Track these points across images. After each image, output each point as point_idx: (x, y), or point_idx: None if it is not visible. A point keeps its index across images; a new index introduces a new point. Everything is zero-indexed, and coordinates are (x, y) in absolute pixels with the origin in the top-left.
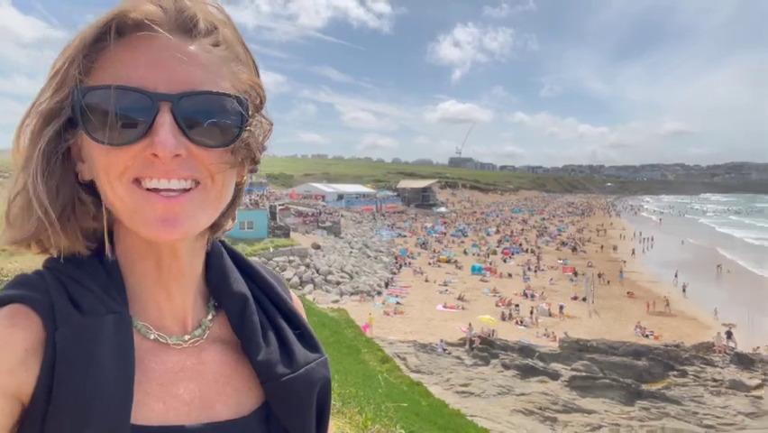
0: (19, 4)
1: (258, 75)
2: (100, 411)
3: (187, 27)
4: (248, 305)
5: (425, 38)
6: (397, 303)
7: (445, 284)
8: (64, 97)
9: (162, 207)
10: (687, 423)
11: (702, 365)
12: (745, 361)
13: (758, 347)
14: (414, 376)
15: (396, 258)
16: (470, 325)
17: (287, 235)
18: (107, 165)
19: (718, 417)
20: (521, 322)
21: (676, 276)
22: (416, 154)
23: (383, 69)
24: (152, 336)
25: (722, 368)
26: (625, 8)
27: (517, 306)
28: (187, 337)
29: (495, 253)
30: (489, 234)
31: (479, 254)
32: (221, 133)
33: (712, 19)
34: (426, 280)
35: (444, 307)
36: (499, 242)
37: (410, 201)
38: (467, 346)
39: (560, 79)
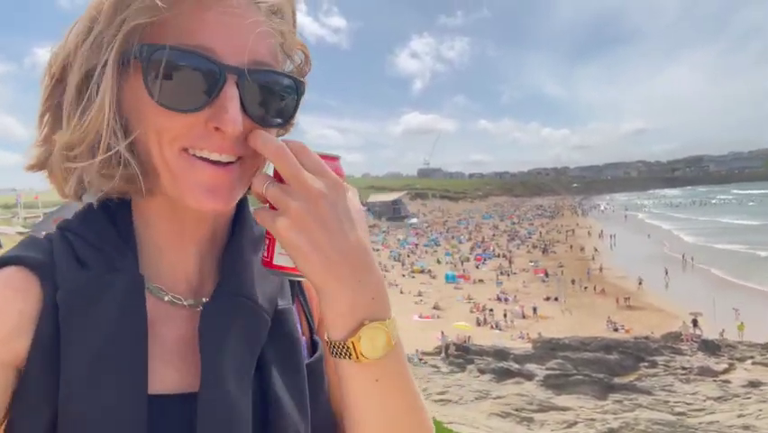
0: None
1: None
2: (111, 375)
3: None
4: (253, 277)
5: (384, 51)
6: None
7: (420, 294)
8: (122, 43)
9: (210, 175)
10: (659, 412)
11: (671, 355)
12: (711, 347)
13: (723, 330)
14: None
15: None
16: (442, 333)
17: None
18: (161, 128)
19: (689, 403)
20: (496, 326)
21: (666, 273)
22: (386, 168)
23: (344, 84)
24: (167, 298)
25: (690, 356)
26: (576, 12)
27: (491, 310)
28: (204, 300)
29: (468, 260)
30: (461, 242)
31: (452, 263)
32: (278, 112)
33: (660, 19)
34: (401, 292)
35: (420, 317)
36: (472, 249)
37: (381, 214)
38: (443, 354)
39: (519, 85)
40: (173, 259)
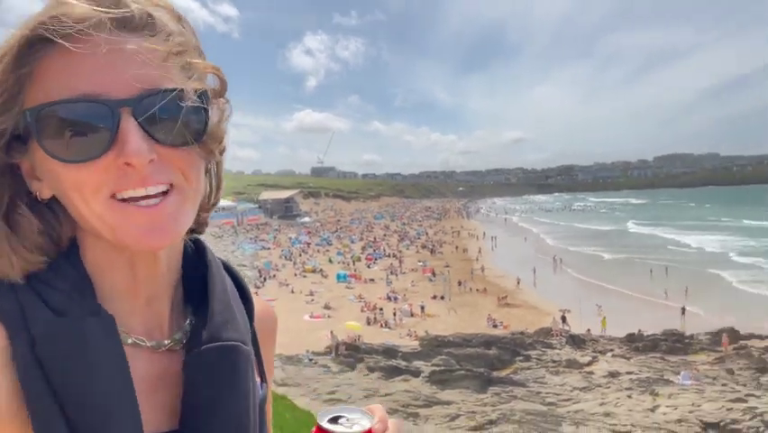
0: None
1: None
2: (108, 424)
3: (123, 23)
4: (226, 310)
5: (276, 45)
6: None
7: (311, 294)
8: (4, 118)
9: (145, 218)
10: (532, 403)
11: (543, 349)
12: (578, 341)
13: (589, 329)
14: (280, 390)
15: (260, 271)
16: (331, 332)
17: None
18: (79, 183)
19: (558, 394)
20: (385, 325)
21: (534, 272)
22: (279, 165)
23: (234, 76)
24: (130, 341)
25: (559, 349)
26: (463, 26)
27: (381, 309)
28: (166, 342)
29: (359, 259)
30: (353, 242)
31: (344, 262)
32: (186, 131)
33: (538, 37)
34: (292, 292)
35: (311, 317)
36: (363, 248)
37: (273, 213)
38: (333, 354)
39: (411, 90)
40: (129, 302)
